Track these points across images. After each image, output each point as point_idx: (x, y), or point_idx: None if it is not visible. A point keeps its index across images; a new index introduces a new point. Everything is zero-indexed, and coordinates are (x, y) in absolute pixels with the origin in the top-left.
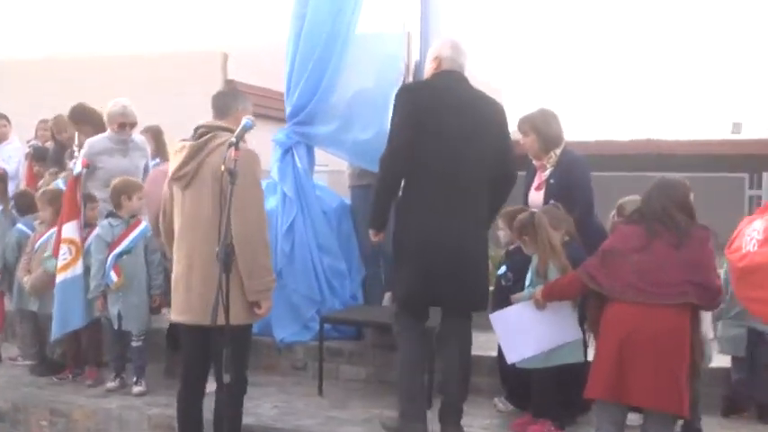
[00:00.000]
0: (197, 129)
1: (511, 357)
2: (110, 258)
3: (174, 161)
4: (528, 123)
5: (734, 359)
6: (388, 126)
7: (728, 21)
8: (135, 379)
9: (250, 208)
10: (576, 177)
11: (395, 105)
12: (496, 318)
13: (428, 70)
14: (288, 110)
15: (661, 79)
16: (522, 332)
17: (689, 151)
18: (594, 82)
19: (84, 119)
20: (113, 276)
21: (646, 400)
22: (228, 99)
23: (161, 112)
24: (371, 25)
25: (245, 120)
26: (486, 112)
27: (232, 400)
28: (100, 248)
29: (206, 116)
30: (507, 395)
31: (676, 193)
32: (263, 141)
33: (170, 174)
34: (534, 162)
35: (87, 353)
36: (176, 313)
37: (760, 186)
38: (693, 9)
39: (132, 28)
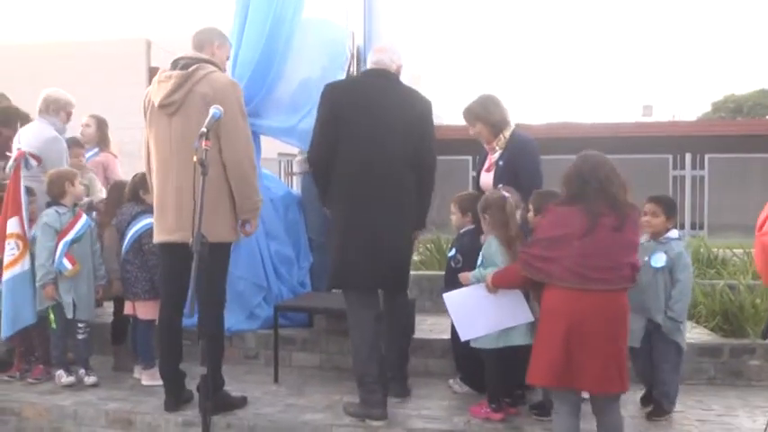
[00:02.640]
0: (178, 60)
1: (464, 335)
2: (61, 245)
3: (160, 90)
4: (470, 114)
5: (631, 350)
6: None
7: (637, 7)
8: (84, 371)
9: (238, 135)
10: (522, 161)
11: (320, 103)
12: (450, 298)
13: None
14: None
15: (574, 64)
16: (474, 313)
17: (604, 134)
18: (512, 67)
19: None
20: (67, 263)
21: (596, 387)
22: (204, 35)
23: (85, 99)
24: (315, 10)
25: (212, 110)
26: (406, 105)
27: (212, 315)
28: (48, 236)
29: (131, 103)
30: (462, 377)
31: (611, 169)
32: None
33: (155, 103)
34: (485, 145)
35: (38, 349)
36: (166, 233)
37: (683, 167)
38: None
39: (55, 16)
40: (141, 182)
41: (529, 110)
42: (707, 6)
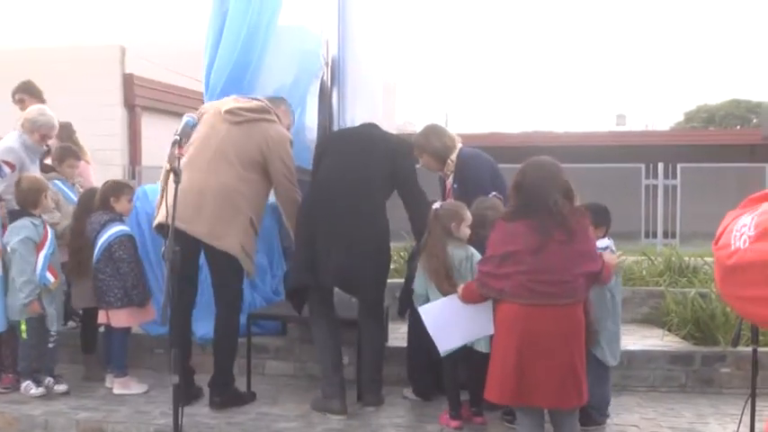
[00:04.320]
0: (256, 97)
1: (442, 347)
2: (42, 259)
3: (235, 102)
4: (415, 148)
5: None
6: (307, 119)
7: (611, 16)
8: (51, 380)
9: (291, 179)
10: (465, 176)
11: (315, 152)
12: (425, 311)
13: None
14: None
15: (548, 72)
16: (451, 324)
17: (579, 142)
18: (487, 75)
19: None
20: (50, 277)
21: (550, 402)
22: (275, 101)
23: (58, 106)
24: (289, 18)
25: (186, 118)
26: (381, 143)
27: (227, 317)
28: (30, 250)
29: (104, 110)
30: (414, 388)
31: (559, 178)
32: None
33: (222, 108)
34: (440, 174)
35: (6, 358)
36: (180, 220)
37: (656, 176)
38: (579, 5)
39: (27, 21)
40: (111, 189)
41: (505, 118)
42: (679, 17)
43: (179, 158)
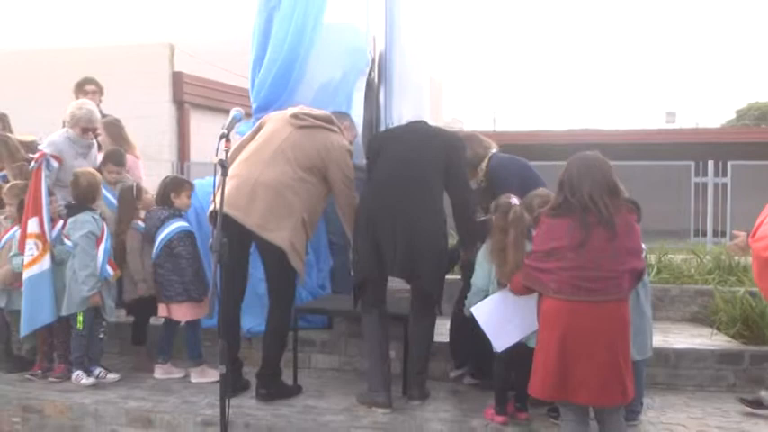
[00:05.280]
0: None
1: (499, 345)
2: (102, 253)
3: (302, 109)
4: None
5: None
6: (354, 115)
7: (663, 13)
8: (102, 371)
9: (349, 186)
10: (493, 184)
11: (366, 152)
12: (478, 310)
13: None
14: (255, 104)
15: (597, 70)
16: (504, 320)
17: (627, 140)
18: (536, 73)
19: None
20: (110, 270)
21: (593, 399)
22: (339, 116)
23: (108, 104)
24: (336, 15)
25: (234, 111)
26: (433, 140)
27: (281, 311)
28: (92, 244)
29: (153, 108)
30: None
31: (602, 174)
32: (210, 132)
33: (287, 113)
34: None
35: (58, 348)
36: (233, 208)
37: (706, 174)
38: (631, 2)
39: (76, 20)
40: (172, 185)
41: (552, 116)
42: (731, 14)
43: (226, 152)
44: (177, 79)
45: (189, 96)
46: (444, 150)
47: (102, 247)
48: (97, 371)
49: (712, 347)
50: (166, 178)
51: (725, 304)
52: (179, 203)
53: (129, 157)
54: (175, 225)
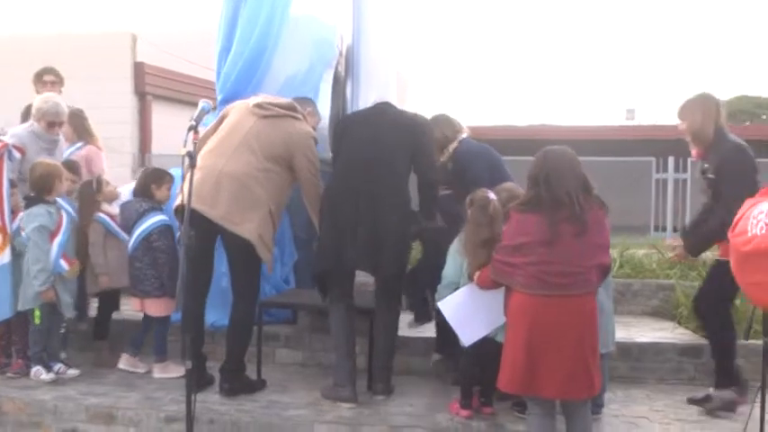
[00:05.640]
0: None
1: (467, 340)
2: (56, 247)
3: (265, 98)
4: None
5: None
6: (320, 107)
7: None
8: (62, 366)
9: (315, 174)
10: (459, 169)
11: (331, 137)
12: (445, 305)
13: None
14: (221, 96)
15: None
16: (472, 314)
17: (588, 136)
18: (497, 68)
19: None
20: (65, 264)
21: (561, 393)
22: (301, 101)
23: (68, 95)
24: (304, 7)
25: (202, 103)
26: (400, 123)
27: (245, 305)
28: (45, 237)
29: (115, 98)
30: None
31: (576, 170)
32: (172, 124)
33: (251, 102)
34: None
35: (16, 344)
36: (199, 202)
37: (666, 170)
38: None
39: (36, 8)
40: (153, 176)
41: (515, 112)
42: (689, 12)
43: (194, 144)
44: (139, 70)
45: (151, 87)
46: (411, 130)
47: (56, 240)
48: (57, 366)
49: (673, 341)
50: (147, 169)
51: (686, 299)
52: (159, 195)
53: (91, 149)
54: (156, 218)
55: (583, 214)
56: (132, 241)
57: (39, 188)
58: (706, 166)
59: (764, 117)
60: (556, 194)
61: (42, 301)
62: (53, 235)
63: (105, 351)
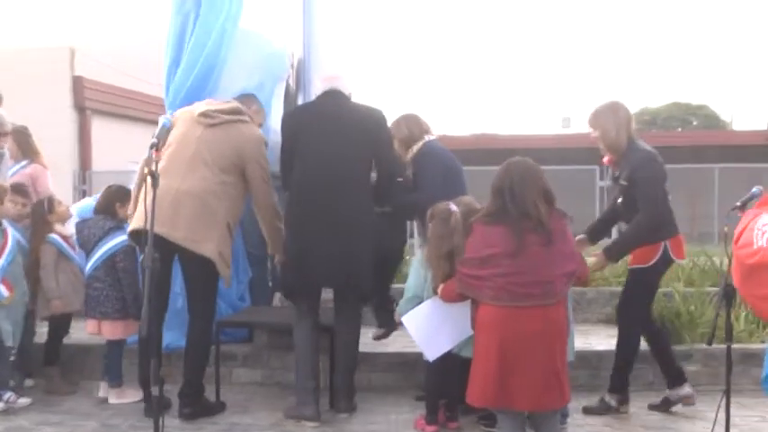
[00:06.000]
0: (229, 101)
1: (431, 354)
2: None
3: (207, 105)
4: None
5: None
6: (273, 122)
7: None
8: (12, 395)
9: (267, 181)
10: (417, 169)
11: (281, 130)
12: (408, 319)
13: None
14: (170, 111)
15: (491, 75)
16: (435, 328)
17: (529, 145)
18: (433, 80)
19: None
20: (4, 291)
21: (533, 405)
22: (247, 100)
23: (5, 109)
24: (253, 21)
25: (162, 119)
26: (358, 121)
27: (201, 326)
28: None
29: (53, 114)
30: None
31: (541, 181)
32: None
33: (195, 112)
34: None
35: None
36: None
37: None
38: (524, 10)
39: None
40: (117, 194)
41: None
42: (621, 20)
43: (156, 162)
44: (78, 84)
45: (90, 102)
46: (370, 135)
47: None
48: (7, 395)
49: None
50: (111, 187)
51: None
52: (123, 214)
53: (36, 167)
54: (120, 238)
55: (547, 224)
56: (93, 260)
57: None
58: (617, 173)
59: (695, 123)
60: (521, 206)
61: None
62: None
63: (56, 377)
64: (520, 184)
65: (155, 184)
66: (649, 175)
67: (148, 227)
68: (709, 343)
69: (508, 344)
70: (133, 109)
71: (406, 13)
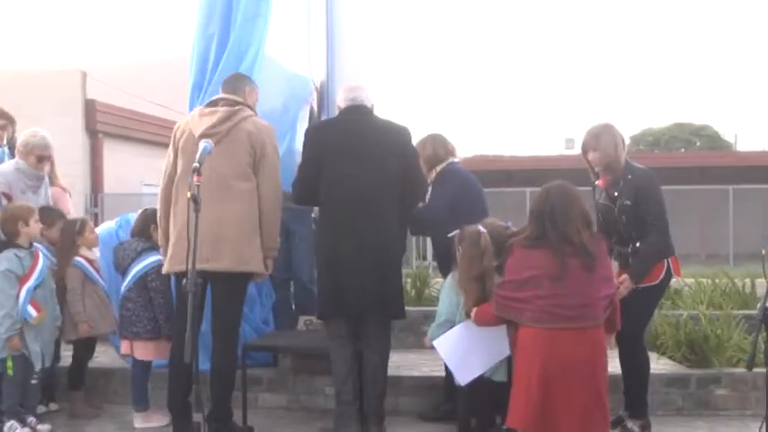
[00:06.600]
0: (216, 100)
1: (462, 378)
2: (24, 293)
3: (203, 122)
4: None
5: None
6: (298, 144)
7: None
8: (34, 420)
9: (275, 175)
10: (432, 191)
11: (304, 143)
12: (440, 343)
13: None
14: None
15: (494, 97)
16: (467, 352)
17: (530, 166)
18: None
19: None
20: (32, 311)
21: (577, 429)
22: (237, 81)
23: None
24: (277, 43)
25: (203, 144)
26: (387, 140)
27: (228, 349)
28: (11, 283)
29: (65, 137)
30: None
31: (578, 205)
32: (125, 163)
33: (195, 133)
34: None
35: None
36: (199, 262)
37: None
38: (527, 30)
39: None
40: (153, 216)
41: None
42: (623, 42)
43: (198, 186)
44: (90, 107)
45: (102, 125)
46: (398, 158)
47: (26, 286)
48: (30, 419)
49: (659, 372)
50: (147, 210)
51: (669, 328)
52: (156, 237)
53: (57, 190)
54: (152, 258)
55: (592, 250)
56: (127, 281)
57: (6, 233)
58: (616, 194)
59: (698, 144)
60: (563, 230)
61: (9, 350)
62: (23, 280)
63: (80, 401)
64: (561, 211)
65: (196, 209)
66: (655, 194)
67: (190, 262)
68: (749, 368)
69: (551, 366)
70: (145, 132)
71: (408, 33)
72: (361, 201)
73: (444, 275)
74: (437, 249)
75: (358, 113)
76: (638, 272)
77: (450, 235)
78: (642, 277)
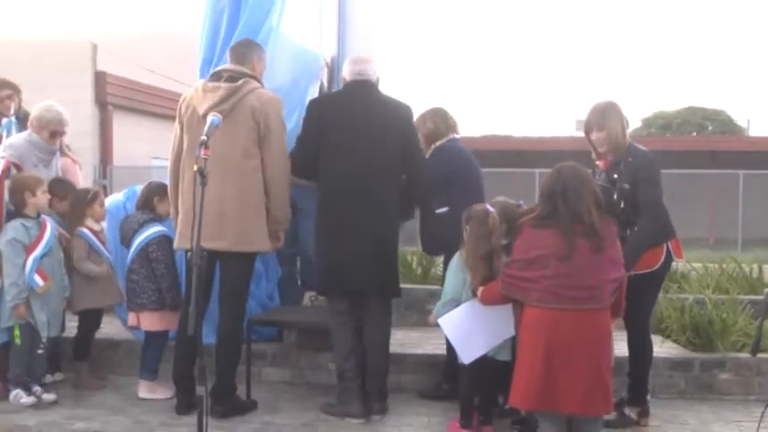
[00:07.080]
0: (221, 72)
1: (466, 357)
2: (30, 261)
3: (206, 99)
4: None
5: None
6: None
7: (570, 23)
8: (39, 389)
9: (280, 149)
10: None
11: (305, 116)
12: (445, 321)
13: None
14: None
15: (508, 78)
16: (472, 331)
17: (541, 147)
18: (446, 80)
19: None
20: (39, 280)
21: (579, 409)
22: (245, 49)
23: (26, 103)
24: (288, 20)
25: (211, 117)
26: (388, 117)
27: (235, 324)
28: (18, 252)
29: (75, 108)
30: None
31: (590, 186)
32: (134, 136)
33: (199, 111)
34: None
35: None
36: (204, 239)
37: None
38: (538, 12)
39: None
40: (156, 189)
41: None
42: (636, 23)
43: (205, 160)
44: (100, 79)
45: (112, 97)
46: (400, 138)
47: (32, 255)
48: (35, 388)
49: (663, 355)
50: (150, 183)
51: (674, 312)
52: (161, 209)
53: (67, 161)
54: (154, 229)
55: (600, 231)
56: (131, 253)
57: (12, 202)
58: (616, 176)
59: (710, 128)
60: (574, 210)
61: (15, 319)
62: (30, 249)
63: (85, 372)
64: (573, 189)
65: (203, 183)
66: (650, 177)
67: (195, 236)
68: (754, 353)
69: (555, 346)
70: (154, 105)
71: (421, 11)
72: (359, 176)
73: (429, 254)
74: (424, 225)
75: (362, 88)
76: (628, 259)
77: (437, 211)
78: (632, 264)
